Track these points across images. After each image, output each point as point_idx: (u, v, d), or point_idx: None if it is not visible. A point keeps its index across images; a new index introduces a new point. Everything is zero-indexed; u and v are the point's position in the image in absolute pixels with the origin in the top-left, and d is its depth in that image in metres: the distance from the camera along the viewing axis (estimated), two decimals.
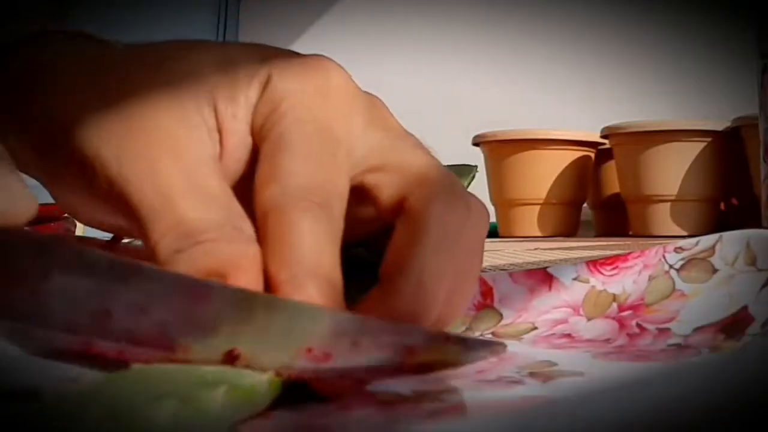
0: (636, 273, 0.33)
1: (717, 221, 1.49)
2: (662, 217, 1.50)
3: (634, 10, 1.94)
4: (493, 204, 1.69)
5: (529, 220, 1.64)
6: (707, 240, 0.32)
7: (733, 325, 0.30)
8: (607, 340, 0.31)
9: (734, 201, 1.55)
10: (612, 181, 1.64)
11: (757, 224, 1.14)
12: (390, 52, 2.10)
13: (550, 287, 0.33)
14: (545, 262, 0.78)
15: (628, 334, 0.31)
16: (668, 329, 0.31)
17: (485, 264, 0.73)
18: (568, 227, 1.66)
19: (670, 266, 0.32)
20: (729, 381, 0.13)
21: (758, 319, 0.29)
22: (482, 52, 2.05)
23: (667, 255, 0.33)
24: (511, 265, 0.74)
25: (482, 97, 2.02)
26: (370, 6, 2.27)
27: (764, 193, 1.11)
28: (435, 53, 2.11)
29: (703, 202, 1.49)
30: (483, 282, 0.33)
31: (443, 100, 2.08)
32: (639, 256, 0.33)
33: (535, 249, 1.09)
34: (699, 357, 0.27)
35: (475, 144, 1.70)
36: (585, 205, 1.70)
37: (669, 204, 1.49)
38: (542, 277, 0.33)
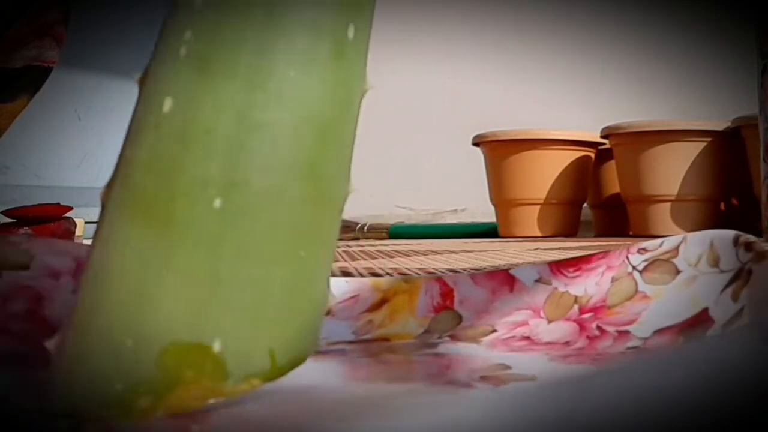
0: (599, 275, 0.32)
1: (717, 221, 1.48)
2: (662, 217, 1.49)
3: (634, 10, 1.93)
4: (493, 204, 1.69)
5: (529, 220, 1.63)
6: (672, 241, 0.32)
7: (693, 327, 0.29)
8: (567, 343, 0.30)
9: (734, 201, 1.54)
10: (612, 181, 1.64)
11: (757, 224, 1.14)
12: (390, 52, 2.09)
13: (511, 289, 0.32)
14: (545, 262, 0.77)
15: (588, 337, 0.30)
16: (628, 332, 0.30)
17: (485, 264, 0.73)
18: (568, 227, 1.65)
19: (633, 267, 0.32)
20: (683, 379, 0.13)
21: (718, 321, 0.29)
22: (482, 52, 2.04)
23: (630, 256, 0.32)
24: (510, 265, 0.73)
25: (482, 97, 2.01)
26: None
27: (764, 193, 1.10)
28: (435, 53, 2.10)
29: (703, 202, 1.48)
30: (444, 284, 0.33)
31: (443, 100, 2.07)
32: (602, 258, 0.32)
33: (535, 249, 1.08)
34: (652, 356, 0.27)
35: (475, 144, 1.69)
36: (585, 205, 1.70)
37: (669, 204, 1.48)
38: (504, 278, 0.33)
